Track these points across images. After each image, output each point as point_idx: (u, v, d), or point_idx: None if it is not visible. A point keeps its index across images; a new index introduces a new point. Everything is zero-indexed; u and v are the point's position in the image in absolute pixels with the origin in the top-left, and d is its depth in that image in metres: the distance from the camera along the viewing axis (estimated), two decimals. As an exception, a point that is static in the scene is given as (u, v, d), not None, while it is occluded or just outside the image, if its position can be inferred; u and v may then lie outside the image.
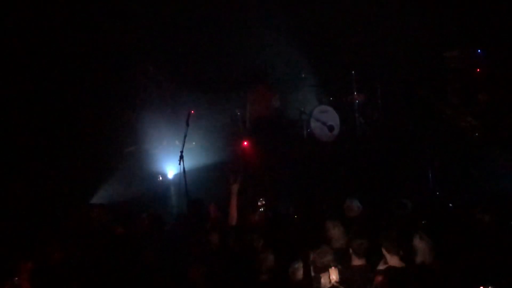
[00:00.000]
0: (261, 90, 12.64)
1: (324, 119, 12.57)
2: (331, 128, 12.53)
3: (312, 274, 6.51)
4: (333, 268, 6.33)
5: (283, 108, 12.86)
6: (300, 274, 6.53)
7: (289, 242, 7.44)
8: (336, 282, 6.26)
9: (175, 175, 11.33)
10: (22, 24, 11.92)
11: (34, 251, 7.41)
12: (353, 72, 12.63)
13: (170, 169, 11.77)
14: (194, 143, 12.12)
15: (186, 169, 9.61)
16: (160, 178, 11.90)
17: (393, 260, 6.49)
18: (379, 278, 6.24)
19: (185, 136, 9.76)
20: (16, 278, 6.64)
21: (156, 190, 11.63)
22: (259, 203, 9.05)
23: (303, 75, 12.89)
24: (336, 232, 7.19)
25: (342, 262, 6.60)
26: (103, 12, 12.37)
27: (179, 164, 9.58)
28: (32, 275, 6.75)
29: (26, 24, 11.93)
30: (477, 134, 11.55)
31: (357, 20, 12.66)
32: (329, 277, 6.31)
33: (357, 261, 6.66)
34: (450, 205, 8.98)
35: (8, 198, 10.69)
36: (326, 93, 12.96)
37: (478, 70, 12.13)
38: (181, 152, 9.60)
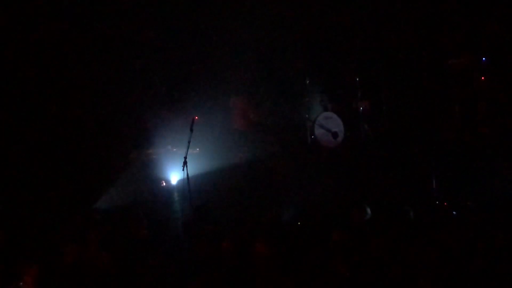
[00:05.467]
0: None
1: (328, 126, 12.57)
2: (335, 135, 12.54)
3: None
4: None
5: (288, 115, 12.90)
6: None
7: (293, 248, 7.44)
8: None
9: (179, 181, 11.34)
10: (24, 25, 11.96)
11: (39, 255, 7.43)
12: (357, 78, 12.63)
13: (174, 175, 11.78)
14: (198, 149, 12.14)
15: (189, 174, 9.68)
16: (164, 183, 11.91)
17: None
18: None
19: (189, 142, 9.83)
20: (21, 283, 6.66)
21: (160, 196, 11.63)
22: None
23: (307, 81, 12.89)
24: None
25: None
26: (110, 15, 12.40)
27: (183, 170, 9.64)
28: (37, 279, 6.76)
29: (28, 25, 11.97)
30: (480, 140, 11.55)
31: (363, 26, 12.68)
32: None
33: None
34: (454, 212, 9.00)
35: (13, 201, 10.70)
36: (330, 99, 12.96)
37: (482, 78, 12.14)
38: (185, 157, 9.67)
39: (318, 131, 12.56)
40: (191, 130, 9.93)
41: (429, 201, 10.06)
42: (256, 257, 7.18)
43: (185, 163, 9.66)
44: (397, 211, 8.37)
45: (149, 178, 11.97)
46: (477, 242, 6.93)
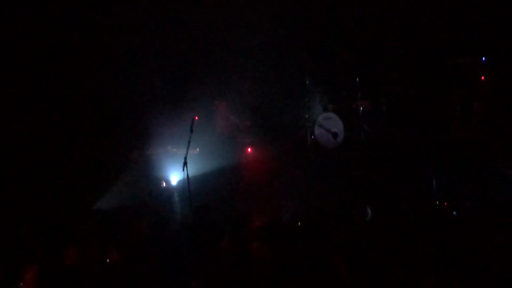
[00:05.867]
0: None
1: (328, 126, 12.57)
2: (335, 135, 12.54)
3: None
4: None
5: (287, 115, 12.91)
6: None
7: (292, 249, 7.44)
8: None
9: (179, 181, 11.34)
10: (24, 24, 11.97)
11: (40, 256, 7.44)
12: (357, 79, 12.63)
13: (174, 175, 11.79)
14: (198, 149, 12.15)
15: (190, 175, 9.70)
16: (164, 184, 11.91)
17: None
18: None
19: (189, 142, 9.84)
20: (21, 284, 6.66)
21: (160, 196, 11.63)
22: None
23: (307, 82, 12.90)
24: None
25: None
26: (111, 15, 12.40)
27: (183, 170, 9.65)
28: (37, 279, 6.77)
29: (28, 25, 11.98)
30: (480, 140, 11.56)
31: (363, 26, 12.69)
32: None
33: None
34: (454, 212, 8.99)
35: (13, 201, 10.70)
36: (330, 100, 12.96)
37: (482, 78, 12.15)
38: (185, 158, 9.68)
39: (318, 132, 12.57)
40: (191, 131, 9.94)
41: (429, 201, 10.06)
42: (256, 258, 7.18)
43: (185, 163, 9.66)
44: (397, 211, 8.36)
45: (149, 178, 11.97)
46: (477, 242, 6.93)
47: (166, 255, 7.61)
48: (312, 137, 12.64)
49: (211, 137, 12.61)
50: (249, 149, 12.58)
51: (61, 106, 12.24)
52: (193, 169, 10.49)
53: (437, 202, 9.99)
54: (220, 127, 12.90)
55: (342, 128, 12.60)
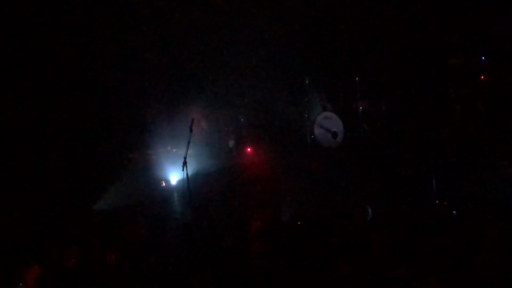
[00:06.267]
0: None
1: (328, 126, 12.58)
2: (335, 135, 12.55)
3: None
4: None
5: (287, 114, 12.91)
6: None
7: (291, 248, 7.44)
8: None
9: (179, 181, 11.35)
10: (24, 24, 11.98)
11: (40, 256, 7.44)
12: (357, 78, 12.64)
13: (173, 175, 11.80)
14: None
15: (189, 174, 9.72)
16: (163, 183, 11.92)
17: None
18: None
19: (188, 143, 9.88)
20: (21, 284, 6.66)
21: (159, 196, 11.63)
22: None
23: (307, 81, 12.90)
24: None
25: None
26: (110, 15, 12.41)
27: (183, 170, 9.68)
28: (37, 280, 6.77)
29: (28, 24, 11.99)
30: (480, 140, 11.56)
31: (363, 26, 12.69)
32: None
33: None
34: (454, 212, 8.99)
35: (14, 202, 10.71)
36: (330, 99, 12.97)
37: (482, 77, 12.16)
38: (185, 158, 9.71)
39: (318, 131, 12.57)
40: (191, 131, 9.98)
41: (429, 201, 10.06)
42: (256, 257, 7.19)
43: (184, 163, 9.70)
44: (397, 211, 8.38)
45: (149, 178, 11.98)
46: (477, 242, 6.93)
47: (166, 255, 7.61)
48: (312, 136, 12.64)
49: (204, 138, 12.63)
50: (249, 149, 12.58)
51: (61, 106, 12.24)
52: (193, 169, 10.51)
53: (437, 202, 9.99)
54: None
55: (341, 127, 12.62)
